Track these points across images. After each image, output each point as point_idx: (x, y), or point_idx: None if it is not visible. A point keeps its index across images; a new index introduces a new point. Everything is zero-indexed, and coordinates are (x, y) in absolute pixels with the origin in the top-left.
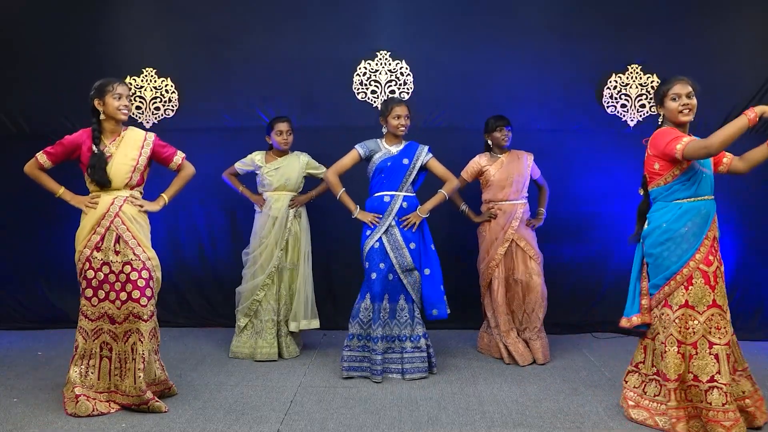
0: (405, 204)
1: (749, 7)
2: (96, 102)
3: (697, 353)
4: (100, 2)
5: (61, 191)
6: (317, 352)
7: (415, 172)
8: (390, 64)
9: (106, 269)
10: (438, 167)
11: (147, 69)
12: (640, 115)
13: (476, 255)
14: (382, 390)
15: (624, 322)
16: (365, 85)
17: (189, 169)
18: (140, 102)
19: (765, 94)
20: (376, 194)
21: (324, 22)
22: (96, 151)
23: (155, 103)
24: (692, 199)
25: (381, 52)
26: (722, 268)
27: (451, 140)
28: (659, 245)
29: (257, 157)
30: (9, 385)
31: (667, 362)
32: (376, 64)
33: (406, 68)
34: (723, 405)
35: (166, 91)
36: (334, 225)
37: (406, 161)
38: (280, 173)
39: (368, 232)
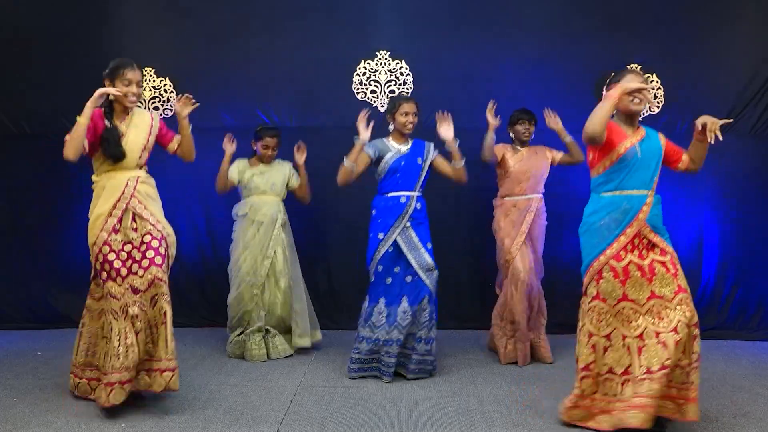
0: (419, 204)
1: (748, 7)
2: (107, 82)
3: (611, 345)
4: (100, 2)
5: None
6: (317, 352)
7: (426, 171)
8: (390, 64)
9: (128, 247)
10: (444, 164)
11: (146, 68)
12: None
13: (472, 256)
14: (382, 390)
15: None
16: (365, 84)
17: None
18: (139, 102)
19: (764, 94)
20: (391, 194)
21: (324, 22)
22: (109, 126)
23: (154, 102)
24: (614, 192)
25: (381, 51)
26: (651, 260)
27: None
28: (581, 236)
29: (241, 164)
30: (8, 385)
31: (579, 351)
32: (376, 64)
33: (406, 68)
34: (632, 397)
35: (165, 90)
36: (335, 224)
37: (419, 160)
38: (266, 177)
39: (381, 236)
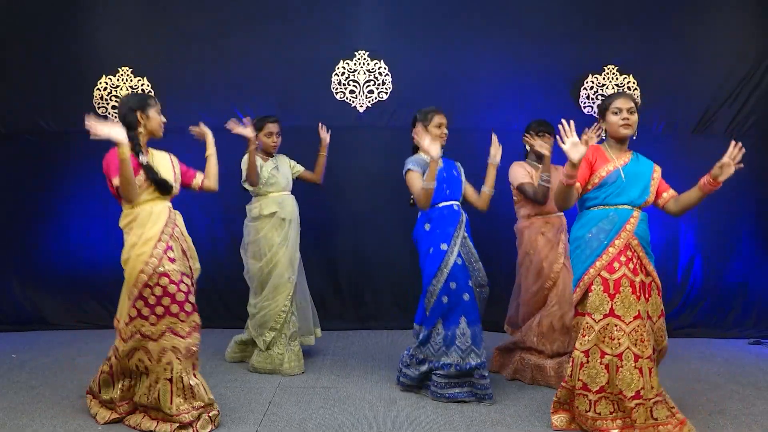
0: (465, 216)
1: (727, 8)
2: (139, 114)
3: (587, 362)
4: (78, 2)
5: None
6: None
7: None
8: (368, 64)
9: (187, 280)
10: (468, 187)
11: (123, 68)
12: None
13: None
14: (361, 390)
15: None
16: (344, 84)
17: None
18: (116, 101)
19: (739, 95)
20: (443, 204)
21: (303, 22)
22: (144, 163)
23: None
24: (600, 207)
25: (359, 52)
26: (641, 280)
27: None
28: (571, 254)
29: (258, 161)
30: None
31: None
32: (355, 64)
33: (385, 68)
34: (610, 413)
35: (142, 90)
36: (338, 225)
37: (455, 172)
38: (281, 173)
39: (444, 246)
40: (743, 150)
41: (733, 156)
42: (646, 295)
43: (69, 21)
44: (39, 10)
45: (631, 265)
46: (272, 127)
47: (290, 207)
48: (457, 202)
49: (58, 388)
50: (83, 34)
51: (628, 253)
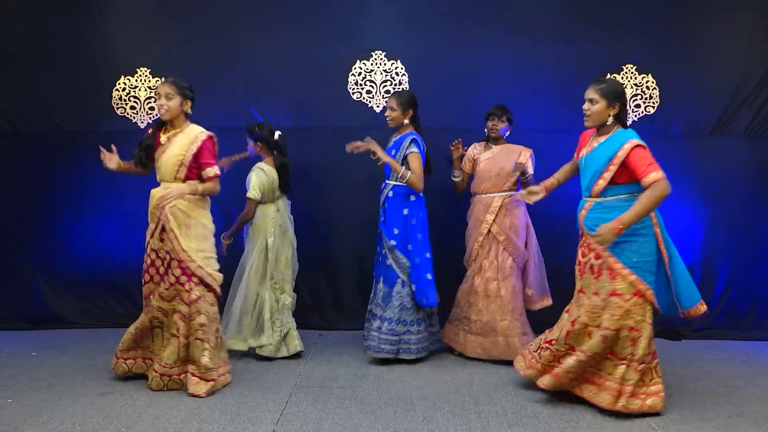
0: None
1: (743, 8)
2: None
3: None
4: (95, 2)
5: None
6: (313, 352)
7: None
8: (385, 64)
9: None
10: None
11: (141, 69)
12: (635, 115)
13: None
14: (377, 390)
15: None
16: (360, 85)
17: (214, 186)
18: (134, 102)
19: (758, 95)
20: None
21: (319, 22)
22: (147, 137)
23: (149, 102)
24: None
25: (376, 52)
26: (584, 260)
27: (445, 140)
28: None
29: (268, 173)
30: (3, 385)
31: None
32: (371, 64)
33: (401, 68)
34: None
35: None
36: (358, 222)
37: (393, 152)
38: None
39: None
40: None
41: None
42: (594, 275)
43: (87, 22)
44: (57, 10)
45: (581, 249)
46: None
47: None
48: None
49: (78, 386)
50: (102, 35)
51: (583, 238)
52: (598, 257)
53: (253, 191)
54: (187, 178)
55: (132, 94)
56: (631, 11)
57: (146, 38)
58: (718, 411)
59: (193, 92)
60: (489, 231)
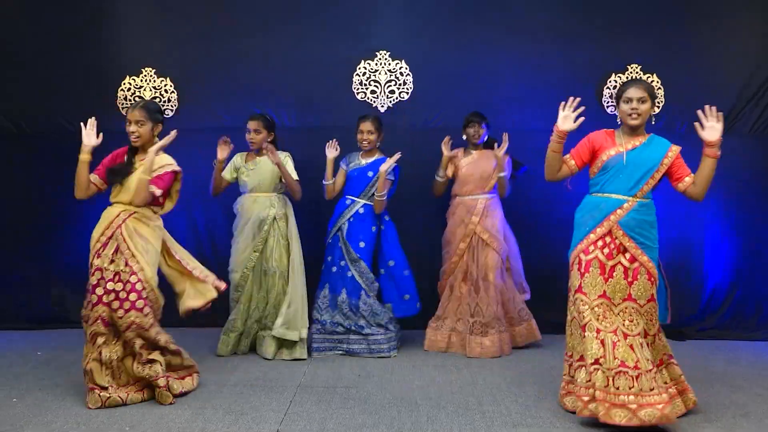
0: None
1: (748, 8)
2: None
3: (571, 333)
4: (100, 2)
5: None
6: (316, 353)
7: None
8: (390, 64)
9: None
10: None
11: (146, 69)
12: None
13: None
14: (381, 390)
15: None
16: (365, 84)
17: (145, 192)
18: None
19: (764, 94)
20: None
21: (324, 22)
22: (121, 163)
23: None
24: (597, 194)
25: (381, 52)
26: (616, 263)
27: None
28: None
29: (237, 159)
30: (8, 385)
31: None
32: (376, 64)
33: (406, 68)
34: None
35: (165, 90)
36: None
37: (370, 173)
38: (253, 175)
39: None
40: (714, 108)
41: (710, 116)
42: (630, 279)
43: (92, 22)
44: (62, 11)
45: (606, 250)
46: (250, 124)
47: (254, 208)
48: (349, 197)
49: (82, 385)
50: (106, 36)
51: (607, 239)
52: (632, 260)
53: (295, 173)
54: (150, 203)
55: (137, 94)
56: (635, 11)
57: (151, 38)
58: (724, 411)
59: (163, 115)
60: (474, 232)
